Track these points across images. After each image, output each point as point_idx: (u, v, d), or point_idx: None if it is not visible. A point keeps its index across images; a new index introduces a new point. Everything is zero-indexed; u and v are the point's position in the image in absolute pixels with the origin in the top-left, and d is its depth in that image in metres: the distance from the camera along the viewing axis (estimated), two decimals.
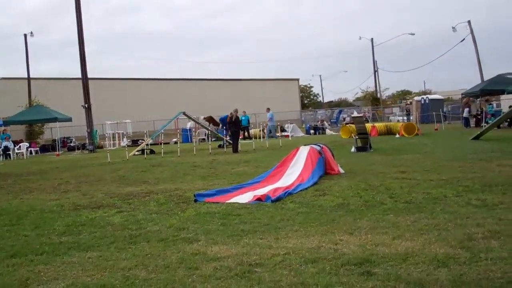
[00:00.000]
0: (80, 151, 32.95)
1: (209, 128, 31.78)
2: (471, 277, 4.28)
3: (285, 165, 11.39)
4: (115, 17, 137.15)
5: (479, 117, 31.55)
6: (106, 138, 37.69)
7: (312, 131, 39.95)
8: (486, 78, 39.38)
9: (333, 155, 12.39)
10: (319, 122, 44.90)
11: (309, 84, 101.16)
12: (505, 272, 4.34)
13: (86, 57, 31.66)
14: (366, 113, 50.42)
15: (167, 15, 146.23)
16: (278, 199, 8.68)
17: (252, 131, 33.41)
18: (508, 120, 27.12)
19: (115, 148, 33.60)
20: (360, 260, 4.90)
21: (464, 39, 45.49)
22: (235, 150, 22.06)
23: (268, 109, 35.27)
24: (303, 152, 11.52)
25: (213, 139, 31.71)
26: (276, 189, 9.49)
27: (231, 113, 23.20)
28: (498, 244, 5.17)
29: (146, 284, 4.62)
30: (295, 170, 10.95)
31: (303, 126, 50.20)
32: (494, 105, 41.78)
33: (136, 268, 5.10)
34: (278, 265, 4.93)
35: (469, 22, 44.52)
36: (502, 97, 37.70)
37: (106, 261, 5.45)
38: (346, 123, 34.50)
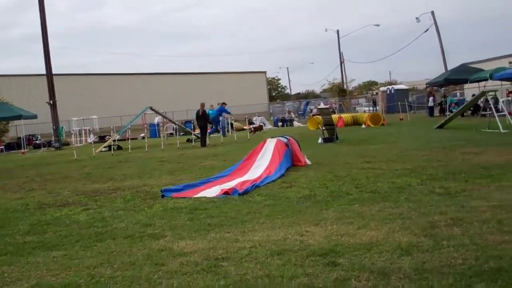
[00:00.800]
0: (46, 148, 32.32)
1: (177, 123, 31.59)
2: (434, 264, 4.36)
3: (252, 158, 11.42)
4: (79, 12, 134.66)
5: (444, 106, 32.08)
6: (73, 135, 37.08)
7: (280, 123, 40.10)
8: (450, 67, 40.01)
9: (300, 146, 12.47)
10: (287, 114, 45.06)
11: (276, 76, 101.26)
12: (466, 258, 4.43)
13: (50, 53, 31.14)
14: (333, 104, 50.74)
15: (133, 9, 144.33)
16: (245, 192, 8.70)
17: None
18: (472, 108, 27.64)
19: (81, 144, 33.08)
20: (325, 250, 4.95)
21: (427, 29, 46.11)
22: (203, 144, 22.00)
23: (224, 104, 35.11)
24: (270, 144, 11.57)
25: (181, 133, 31.56)
26: (243, 182, 9.51)
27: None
28: (460, 231, 5.28)
29: (112, 282, 4.57)
30: (262, 163, 10.99)
31: (271, 118, 50.32)
32: (458, 94, 42.58)
33: (101, 266, 5.05)
34: (244, 258, 4.94)
35: (432, 12, 45.11)
36: (466, 86, 38.40)
37: (71, 260, 5.37)
38: (313, 115, 34.71)
